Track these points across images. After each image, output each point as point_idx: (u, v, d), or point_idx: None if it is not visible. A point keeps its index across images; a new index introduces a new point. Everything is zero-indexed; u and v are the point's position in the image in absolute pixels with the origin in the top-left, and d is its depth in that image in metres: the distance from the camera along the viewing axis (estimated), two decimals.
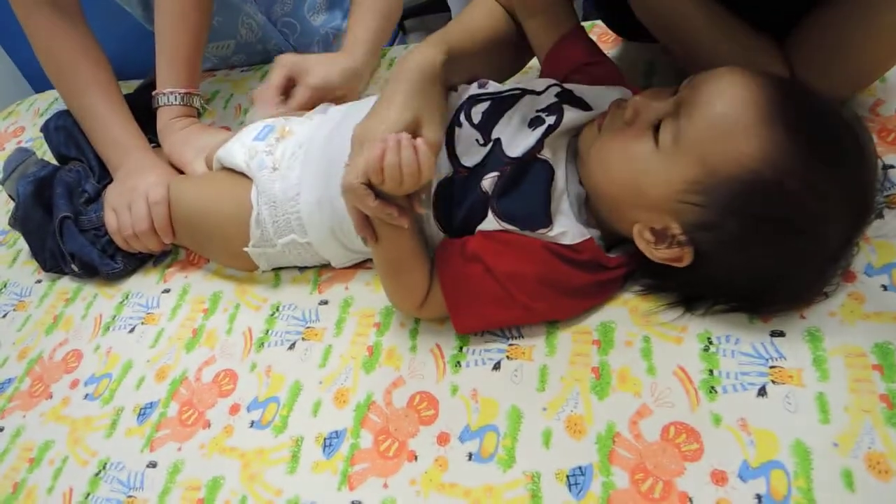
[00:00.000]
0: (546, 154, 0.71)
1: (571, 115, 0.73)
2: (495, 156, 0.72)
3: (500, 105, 0.75)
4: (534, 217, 0.69)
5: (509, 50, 0.88)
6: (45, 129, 1.15)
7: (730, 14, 0.75)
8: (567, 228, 0.69)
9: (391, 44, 1.40)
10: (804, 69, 0.73)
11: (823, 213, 0.60)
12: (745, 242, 0.62)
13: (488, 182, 0.71)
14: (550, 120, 0.72)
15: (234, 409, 0.78)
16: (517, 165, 0.71)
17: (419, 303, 0.74)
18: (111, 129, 1.05)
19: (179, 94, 1.03)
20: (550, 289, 0.70)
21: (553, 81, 0.78)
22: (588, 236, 0.70)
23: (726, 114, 0.61)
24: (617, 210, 0.69)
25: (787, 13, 0.74)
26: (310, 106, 0.97)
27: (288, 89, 1.01)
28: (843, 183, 0.60)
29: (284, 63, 1.02)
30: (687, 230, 0.63)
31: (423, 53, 0.73)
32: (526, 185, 0.70)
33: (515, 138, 0.72)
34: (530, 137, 0.71)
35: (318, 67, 1.02)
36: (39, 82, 1.95)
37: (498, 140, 0.72)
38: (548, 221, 0.69)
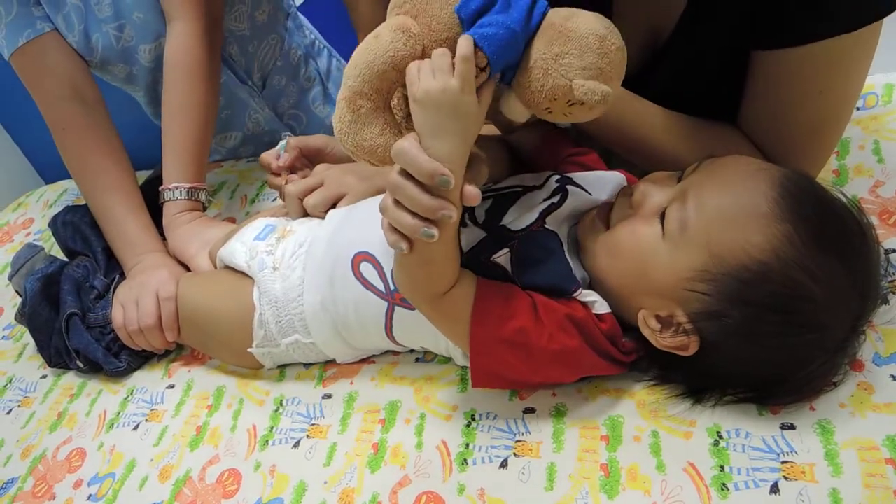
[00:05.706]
0: (550, 226, 0.71)
1: (575, 196, 0.73)
2: (501, 235, 0.71)
3: (503, 202, 0.75)
4: (561, 283, 0.68)
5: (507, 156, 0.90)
6: (52, 224, 1.17)
7: (681, 115, 0.77)
8: (595, 298, 0.68)
9: None
10: (760, 143, 0.76)
11: (829, 306, 0.59)
12: (752, 333, 0.61)
13: (503, 259, 0.70)
14: (554, 199, 0.73)
15: None
16: (525, 236, 0.70)
17: (443, 291, 0.67)
18: (127, 229, 1.06)
19: (185, 188, 1.05)
20: (575, 329, 0.66)
21: (550, 172, 0.79)
22: (609, 311, 0.68)
23: (736, 203, 0.62)
24: (622, 296, 0.69)
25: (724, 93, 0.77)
26: None
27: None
28: (849, 275, 0.60)
29: None
30: (693, 319, 0.63)
31: None
32: (541, 253, 0.70)
33: (519, 220, 0.72)
34: (533, 211, 0.72)
35: None
36: (49, 173, 1.98)
37: (502, 226, 0.72)
38: (578, 284, 0.68)
